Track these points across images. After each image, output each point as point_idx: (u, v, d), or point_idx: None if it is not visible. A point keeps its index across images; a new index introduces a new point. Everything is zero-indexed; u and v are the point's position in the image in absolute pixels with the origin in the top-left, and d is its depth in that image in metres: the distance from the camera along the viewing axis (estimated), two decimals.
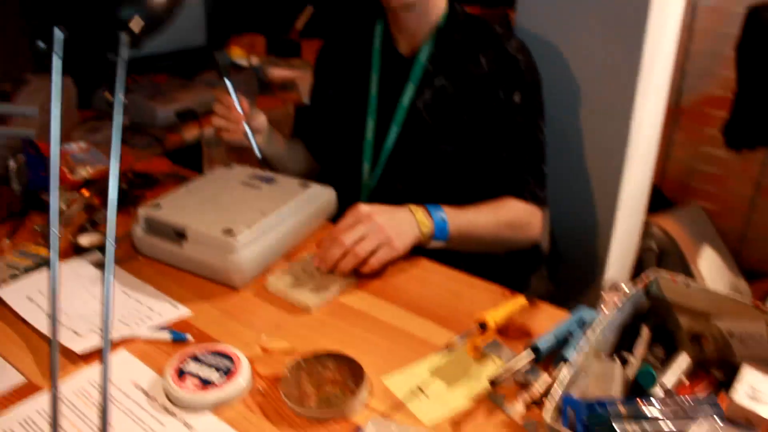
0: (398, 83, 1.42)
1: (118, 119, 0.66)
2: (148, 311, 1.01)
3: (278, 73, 2.23)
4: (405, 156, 1.41)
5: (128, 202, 1.35)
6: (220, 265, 1.03)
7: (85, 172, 1.39)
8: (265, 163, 1.43)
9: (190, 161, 1.81)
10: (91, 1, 0.68)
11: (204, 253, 1.05)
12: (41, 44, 2.04)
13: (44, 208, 1.32)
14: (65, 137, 1.61)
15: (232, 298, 1.04)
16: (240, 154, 1.46)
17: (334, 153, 1.36)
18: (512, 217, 1.32)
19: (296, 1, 2.72)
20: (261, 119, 1.42)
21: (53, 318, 0.60)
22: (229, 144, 1.44)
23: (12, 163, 1.38)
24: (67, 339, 0.93)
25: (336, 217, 1.27)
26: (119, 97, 0.66)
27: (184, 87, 1.98)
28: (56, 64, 0.64)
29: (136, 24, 0.65)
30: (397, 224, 1.14)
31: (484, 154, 1.36)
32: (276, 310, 1.01)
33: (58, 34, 0.62)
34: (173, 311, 1.01)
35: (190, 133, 1.86)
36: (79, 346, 0.91)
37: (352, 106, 1.48)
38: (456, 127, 1.36)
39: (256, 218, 1.08)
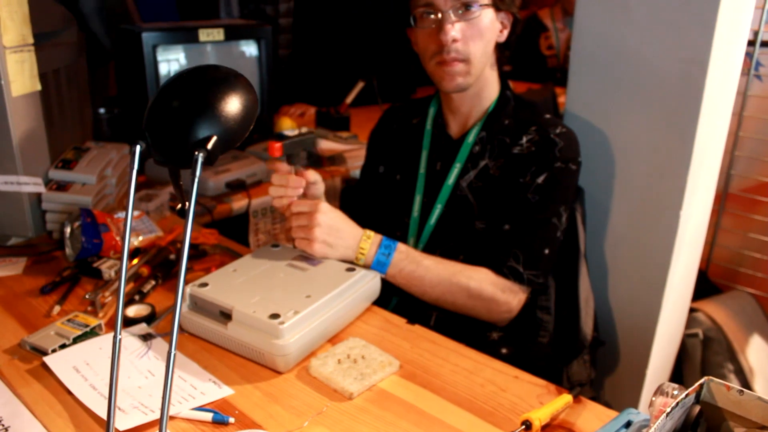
0: (446, 164, 1.44)
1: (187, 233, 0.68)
2: (191, 389, 1.01)
3: (327, 145, 2.28)
4: (445, 233, 1.42)
5: (176, 273, 1.37)
6: (265, 349, 1.04)
7: (136, 241, 1.42)
8: None
9: (237, 231, 1.84)
10: (171, 119, 0.71)
11: (249, 336, 1.06)
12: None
13: (96, 274, 1.35)
14: (119, 205, 1.66)
15: (274, 381, 1.04)
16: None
17: (379, 228, 1.37)
18: (473, 285, 1.30)
19: (347, 75, 2.79)
20: (320, 188, 1.45)
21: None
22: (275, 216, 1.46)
23: (67, 229, 1.42)
24: None
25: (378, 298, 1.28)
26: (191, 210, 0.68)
27: (235, 158, 2.03)
28: (133, 175, 0.67)
29: (213, 144, 0.68)
30: (334, 237, 1.26)
31: (494, 225, 1.36)
32: (318, 395, 1.00)
33: (137, 148, 0.65)
34: (216, 391, 1.01)
35: (238, 204, 1.89)
36: (122, 423, 0.92)
37: (402, 183, 1.51)
38: (493, 205, 1.37)
39: (303, 303, 1.09)
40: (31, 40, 1.45)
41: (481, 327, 1.38)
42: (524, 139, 1.37)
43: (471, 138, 1.42)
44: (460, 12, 1.31)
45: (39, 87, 1.49)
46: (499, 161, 1.38)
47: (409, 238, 1.47)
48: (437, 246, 1.41)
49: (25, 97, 1.45)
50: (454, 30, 1.31)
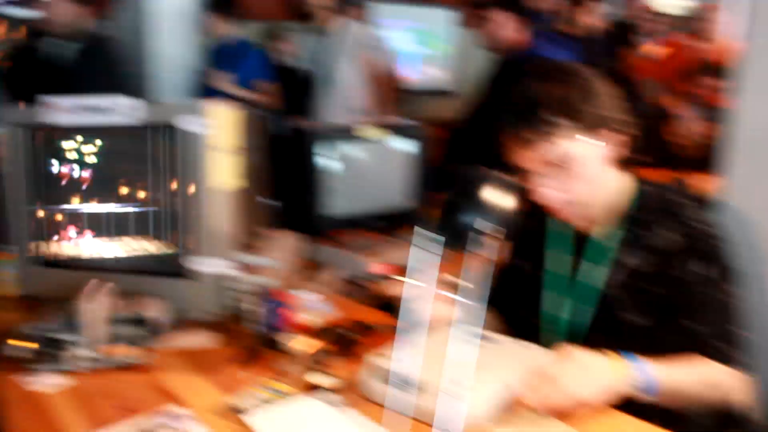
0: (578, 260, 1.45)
1: None
2: None
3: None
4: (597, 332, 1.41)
5: (352, 348, 1.48)
6: (446, 416, 1.11)
7: (316, 318, 1.56)
8: None
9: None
10: None
11: (432, 403, 1.13)
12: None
13: (277, 347, 1.48)
14: (291, 285, 1.80)
15: None
16: None
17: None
18: (714, 377, 1.29)
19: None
20: None
21: None
22: None
23: (250, 306, 1.57)
24: None
25: None
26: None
27: (391, 244, 2.17)
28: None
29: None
30: (583, 377, 1.18)
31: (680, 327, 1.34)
32: None
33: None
34: None
35: (393, 290, 2.00)
36: None
37: (526, 279, 1.53)
38: (654, 302, 1.35)
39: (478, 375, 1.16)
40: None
41: None
42: (670, 233, 1.35)
43: (609, 238, 1.40)
44: None
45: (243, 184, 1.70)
46: (650, 258, 1.36)
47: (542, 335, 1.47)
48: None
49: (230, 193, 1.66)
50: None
